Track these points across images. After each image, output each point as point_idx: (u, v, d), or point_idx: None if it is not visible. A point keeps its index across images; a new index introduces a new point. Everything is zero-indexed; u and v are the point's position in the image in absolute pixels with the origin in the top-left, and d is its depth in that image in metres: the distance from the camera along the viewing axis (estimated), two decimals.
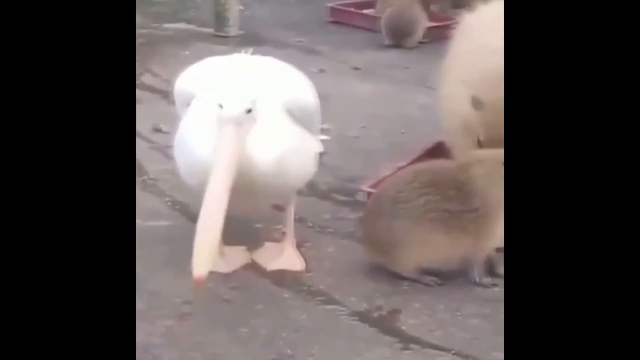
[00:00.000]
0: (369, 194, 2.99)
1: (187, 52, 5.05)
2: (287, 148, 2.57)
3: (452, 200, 2.62)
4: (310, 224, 3.06)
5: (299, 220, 3.02)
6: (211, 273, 2.29)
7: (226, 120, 2.44)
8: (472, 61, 3.04)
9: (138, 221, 2.55)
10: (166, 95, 3.77)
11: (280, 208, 2.94)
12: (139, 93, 3.94)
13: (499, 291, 2.66)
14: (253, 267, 2.77)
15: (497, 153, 2.68)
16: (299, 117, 2.67)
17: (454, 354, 2.37)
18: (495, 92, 2.87)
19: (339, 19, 6.16)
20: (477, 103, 2.86)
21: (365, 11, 6.15)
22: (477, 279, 2.71)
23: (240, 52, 2.92)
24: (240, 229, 2.91)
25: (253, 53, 2.93)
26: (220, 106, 2.45)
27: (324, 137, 3.03)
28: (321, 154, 2.89)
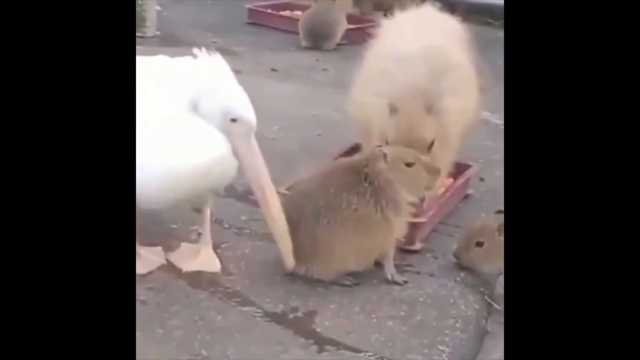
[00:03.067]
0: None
1: None
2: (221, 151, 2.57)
3: (365, 196, 2.63)
4: (227, 225, 3.05)
5: (216, 221, 3.01)
6: None
7: (247, 134, 2.55)
8: (387, 72, 3.07)
9: None
10: None
11: (196, 209, 2.93)
12: None
13: (413, 292, 2.68)
14: (169, 267, 2.76)
15: (399, 150, 2.73)
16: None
17: (369, 356, 2.38)
18: (409, 100, 2.94)
19: (257, 20, 6.17)
20: (393, 109, 2.91)
21: (283, 13, 6.17)
22: (390, 277, 2.73)
23: (159, 53, 2.90)
24: (156, 230, 2.90)
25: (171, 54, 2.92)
26: (234, 120, 2.52)
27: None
28: None
